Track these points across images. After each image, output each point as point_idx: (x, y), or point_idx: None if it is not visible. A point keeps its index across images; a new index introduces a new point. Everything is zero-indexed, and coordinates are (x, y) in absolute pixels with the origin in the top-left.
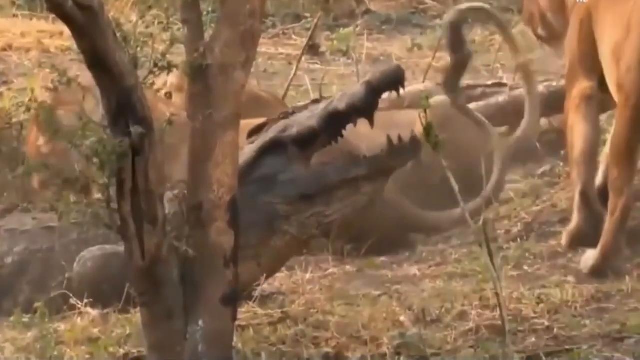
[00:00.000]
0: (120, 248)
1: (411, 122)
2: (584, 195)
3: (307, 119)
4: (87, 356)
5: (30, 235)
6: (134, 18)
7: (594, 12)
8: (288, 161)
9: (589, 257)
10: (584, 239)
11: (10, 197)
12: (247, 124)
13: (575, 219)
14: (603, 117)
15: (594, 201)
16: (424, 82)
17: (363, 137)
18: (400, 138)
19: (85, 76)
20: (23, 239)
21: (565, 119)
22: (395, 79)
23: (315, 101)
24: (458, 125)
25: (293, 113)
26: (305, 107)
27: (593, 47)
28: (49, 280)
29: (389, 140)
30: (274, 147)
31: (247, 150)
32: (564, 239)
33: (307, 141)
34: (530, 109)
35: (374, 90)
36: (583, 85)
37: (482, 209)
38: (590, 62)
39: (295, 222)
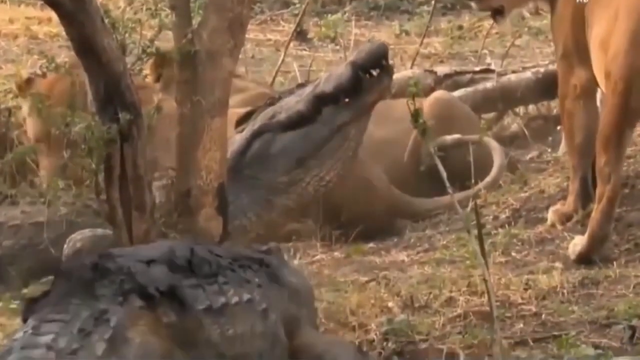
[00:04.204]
0: (111, 231)
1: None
2: (584, 181)
3: (294, 103)
4: None
5: (19, 229)
6: (122, 4)
7: (587, 1)
8: (275, 134)
9: (577, 243)
10: (571, 221)
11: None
12: (234, 113)
13: (570, 202)
14: None
15: (591, 188)
16: (411, 68)
17: None
18: (369, 73)
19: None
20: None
21: (562, 106)
22: (379, 57)
23: (301, 85)
24: (460, 122)
25: (279, 99)
26: (291, 91)
27: (586, 36)
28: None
29: (361, 77)
30: (263, 134)
31: (237, 138)
32: (551, 217)
33: (297, 126)
34: (496, 161)
35: (359, 70)
36: (582, 75)
37: (470, 199)
38: (585, 50)
39: (294, 194)
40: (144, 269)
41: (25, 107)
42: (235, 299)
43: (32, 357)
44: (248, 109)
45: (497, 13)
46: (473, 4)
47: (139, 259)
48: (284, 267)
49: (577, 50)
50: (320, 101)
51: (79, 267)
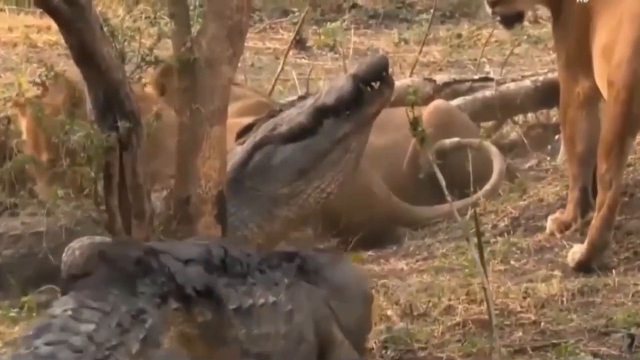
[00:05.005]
0: (109, 238)
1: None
2: (584, 191)
3: (296, 115)
4: None
5: (19, 239)
6: (121, 12)
7: (591, 10)
8: (276, 146)
9: (576, 251)
10: (570, 230)
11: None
12: (234, 123)
13: (569, 210)
14: None
15: (590, 197)
16: (410, 76)
17: None
18: (370, 85)
19: (73, 71)
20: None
21: (564, 115)
22: (380, 69)
23: (302, 97)
24: (459, 131)
25: (281, 111)
26: (292, 103)
27: (589, 44)
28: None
29: (362, 89)
30: (264, 146)
31: (239, 150)
32: (550, 225)
33: (298, 137)
34: (496, 168)
35: (360, 82)
36: (585, 84)
37: (469, 207)
38: (589, 58)
39: (295, 206)
40: (181, 269)
41: (23, 125)
42: (261, 301)
43: (74, 345)
44: (249, 119)
45: (516, 19)
46: (497, 9)
47: (177, 257)
48: (330, 267)
49: (581, 59)
50: (322, 113)
51: (123, 257)
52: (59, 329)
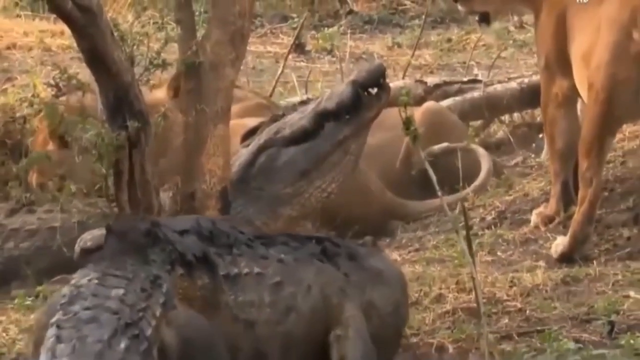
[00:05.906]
0: None
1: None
2: (565, 185)
3: (298, 119)
4: None
5: (35, 233)
6: (130, 18)
7: (568, 14)
8: (279, 148)
9: (559, 243)
10: (553, 223)
11: (15, 191)
12: (237, 124)
13: (552, 204)
14: None
15: (572, 192)
16: (403, 78)
17: None
18: (368, 91)
19: (85, 73)
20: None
21: (545, 114)
22: (378, 75)
23: (304, 102)
24: (450, 130)
25: (283, 115)
26: (294, 108)
27: (567, 47)
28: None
29: (361, 95)
30: (268, 148)
31: (244, 152)
32: (534, 219)
33: (300, 140)
34: (484, 167)
35: (359, 88)
36: (563, 84)
37: (458, 202)
38: (567, 61)
39: (297, 205)
40: (179, 239)
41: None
42: (245, 270)
43: (111, 308)
44: (250, 120)
45: (482, 19)
46: (459, 6)
47: (173, 229)
48: (369, 256)
49: (558, 61)
50: (323, 117)
51: (133, 230)
52: (91, 295)
